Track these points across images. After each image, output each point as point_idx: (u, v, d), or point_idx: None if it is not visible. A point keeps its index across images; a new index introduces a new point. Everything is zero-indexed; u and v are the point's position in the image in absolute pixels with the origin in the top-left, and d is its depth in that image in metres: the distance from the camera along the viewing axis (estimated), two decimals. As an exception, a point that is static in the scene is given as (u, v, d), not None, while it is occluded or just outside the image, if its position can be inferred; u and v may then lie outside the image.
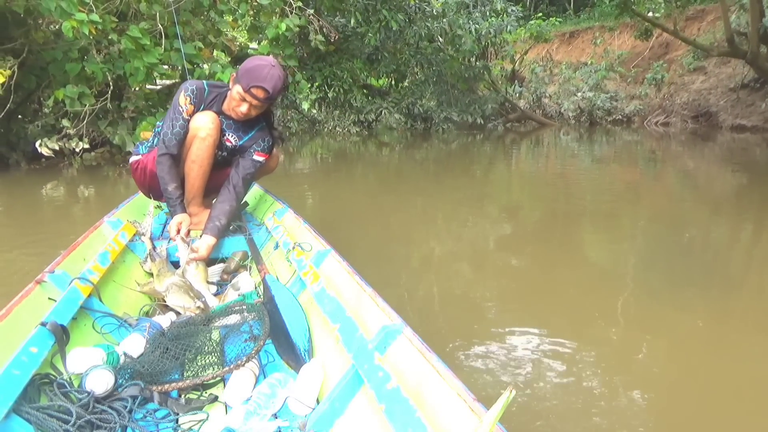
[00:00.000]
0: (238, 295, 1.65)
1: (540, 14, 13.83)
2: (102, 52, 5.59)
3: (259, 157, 2.09)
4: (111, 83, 5.65)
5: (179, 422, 1.11)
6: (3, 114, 5.35)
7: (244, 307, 1.43)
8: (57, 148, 5.69)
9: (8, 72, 5.20)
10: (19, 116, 6.04)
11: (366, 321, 1.26)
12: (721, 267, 3.01)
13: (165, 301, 1.58)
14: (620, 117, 13.16)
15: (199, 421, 1.12)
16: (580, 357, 1.92)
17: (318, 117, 12.39)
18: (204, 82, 2.05)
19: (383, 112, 12.36)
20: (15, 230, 3.77)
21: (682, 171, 6.88)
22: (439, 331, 2.14)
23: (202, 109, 2.02)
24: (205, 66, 6.15)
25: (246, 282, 1.69)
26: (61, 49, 5.47)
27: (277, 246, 1.98)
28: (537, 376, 1.79)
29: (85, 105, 5.53)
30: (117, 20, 5.49)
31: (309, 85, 10.02)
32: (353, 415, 1.07)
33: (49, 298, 1.30)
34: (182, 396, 1.21)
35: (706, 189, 5.60)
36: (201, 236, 1.91)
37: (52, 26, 5.89)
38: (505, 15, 10.59)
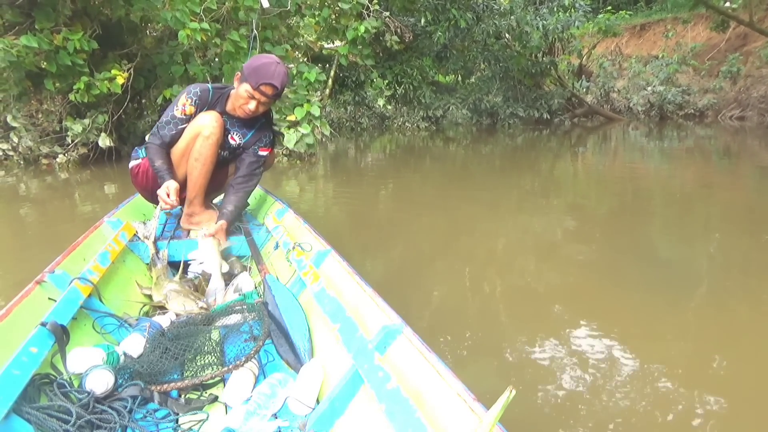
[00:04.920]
0: (238, 295, 1.50)
1: (609, 7, 12.55)
2: (203, 56, 5.72)
3: (263, 152, 2.02)
4: (210, 83, 5.79)
5: (179, 422, 1.01)
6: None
7: (244, 307, 1.28)
8: (163, 141, 5.93)
9: (126, 74, 5.49)
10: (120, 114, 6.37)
11: (366, 321, 1.15)
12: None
13: (167, 307, 1.46)
14: (692, 111, 11.71)
15: (199, 421, 1.01)
16: (649, 363, 1.62)
17: (387, 113, 12.15)
18: (209, 85, 1.93)
19: (450, 108, 11.91)
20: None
21: (759, 167, 5.92)
22: (499, 324, 1.95)
23: (206, 111, 1.90)
24: (292, 65, 6.12)
25: (246, 282, 1.55)
26: (167, 53, 5.67)
27: (277, 246, 1.84)
28: (606, 379, 1.54)
29: (189, 102, 5.71)
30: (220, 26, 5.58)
31: (382, 82, 9.83)
32: (353, 415, 0.99)
33: (49, 298, 1.20)
34: (182, 396, 1.09)
35: (787, 186, 4.73)
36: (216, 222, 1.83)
37: (153, 33, 6.13)
38: (572, 10, 9.68)
